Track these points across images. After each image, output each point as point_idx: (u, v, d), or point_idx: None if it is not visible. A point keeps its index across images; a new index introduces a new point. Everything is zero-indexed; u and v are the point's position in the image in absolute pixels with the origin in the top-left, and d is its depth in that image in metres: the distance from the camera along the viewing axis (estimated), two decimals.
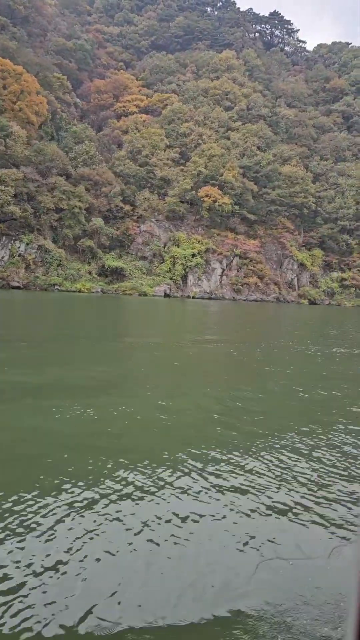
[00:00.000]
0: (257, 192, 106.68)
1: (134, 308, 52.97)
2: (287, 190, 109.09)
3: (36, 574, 4.68)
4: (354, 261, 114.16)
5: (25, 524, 5.51)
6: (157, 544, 5.32)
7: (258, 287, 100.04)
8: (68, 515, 5.77)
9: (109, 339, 22.48)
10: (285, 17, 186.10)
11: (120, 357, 18.14)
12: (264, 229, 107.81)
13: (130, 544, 5.29)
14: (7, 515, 5.66)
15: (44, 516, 5.70)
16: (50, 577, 4.66)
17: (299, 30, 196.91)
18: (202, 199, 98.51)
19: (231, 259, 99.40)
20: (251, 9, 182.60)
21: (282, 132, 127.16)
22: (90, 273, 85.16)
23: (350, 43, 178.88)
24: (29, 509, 5.83)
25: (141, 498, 6.33)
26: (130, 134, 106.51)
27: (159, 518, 5.86)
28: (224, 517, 5.97)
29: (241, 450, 8.35)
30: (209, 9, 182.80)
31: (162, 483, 6.80)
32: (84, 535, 5.38)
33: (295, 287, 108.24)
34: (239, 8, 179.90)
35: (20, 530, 5.38)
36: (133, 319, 39.71)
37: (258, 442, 8.80)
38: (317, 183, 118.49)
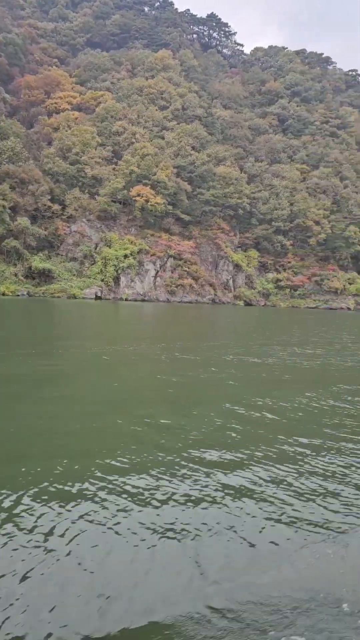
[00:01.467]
0: (191, 193, 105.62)
1: (63, 311, 50.14)
2: (222, 191, 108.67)
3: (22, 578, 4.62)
4: (289, 262, 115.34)
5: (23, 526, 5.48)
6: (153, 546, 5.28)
7: (193, 289, 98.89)
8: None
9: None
10: (222, 20, 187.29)
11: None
12: (199, 229, 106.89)
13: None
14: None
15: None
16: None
17: (236, 33, 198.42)
18: (134, 198, 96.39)
19: (165, 260, 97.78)
20: (188, 10, 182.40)
21: (218, 132, 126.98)
22: (16, 275, 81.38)
23: (286, 47, 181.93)
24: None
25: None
26: (61, 131, 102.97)
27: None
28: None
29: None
30: (146, 9, 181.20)
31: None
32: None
33: (231, 288, 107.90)
34: (176, 9, 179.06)
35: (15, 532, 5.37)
36: (60, 322, 37.06)
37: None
38: (252, 184, 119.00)
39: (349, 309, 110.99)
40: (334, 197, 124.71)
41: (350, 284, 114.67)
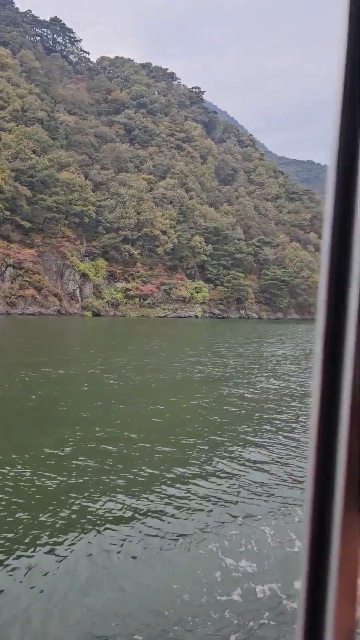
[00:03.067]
0: (32, 198, 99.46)
1: None
2: (65, 197, 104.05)
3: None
4: (138, 271, 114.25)
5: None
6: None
7: (36, 300, 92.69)
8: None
9: None
10: (67, 25, 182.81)
11: None
12: (41, 237, 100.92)
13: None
14: None
15: None
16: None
17: (81, 40, 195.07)
18: None
19: (3, 269, 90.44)
20: (30, 11, 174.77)
21: (62, 138, 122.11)
22: None
23: (132, 59, 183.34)
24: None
25: None
26: None
27: None
28: None
29: None
30: None
31: None
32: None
33: (78, 298, 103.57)
34: (17, 8, 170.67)
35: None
36: None
37: None
38: (98, 192, 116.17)
39: (196, 316, 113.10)
40: (180, 208, 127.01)
41: (197, 292, 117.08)
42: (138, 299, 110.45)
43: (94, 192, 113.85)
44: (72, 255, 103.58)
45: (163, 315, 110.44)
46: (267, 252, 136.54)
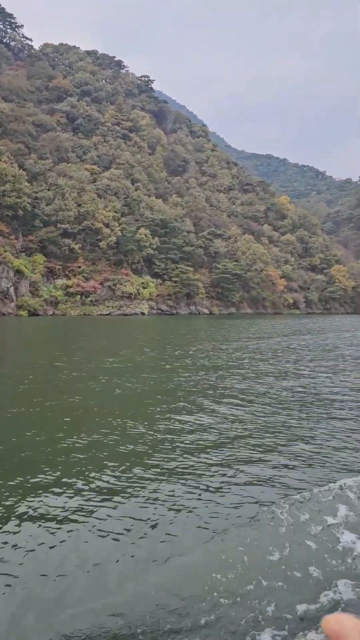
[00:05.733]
0: None
1: None
2: None
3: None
4: (79, 267, 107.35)
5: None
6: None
7: None
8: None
9: None
10: (7, 10, 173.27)
11: None
12: None
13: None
14: None
15: None
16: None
17: (23, 26, 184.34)
18: None
19: None
20: None
21: None
22: None
23: (78, 47, 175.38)
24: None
25: None
26: None
27: None
28: None
29: None
30: None
31: None
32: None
33: (12, 297, 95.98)
34: None
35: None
36: None
37: None
38: (35, 183, 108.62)
39: (142, 314, 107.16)
40: (125, 199, 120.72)
41: (144, 288, 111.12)
42: (80, 297, 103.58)
43: (30, 183, 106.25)
44: (5, 251, 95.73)
45: (107, 313, 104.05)
46: (219, 245, 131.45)
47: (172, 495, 7.76)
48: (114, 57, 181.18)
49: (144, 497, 7.72)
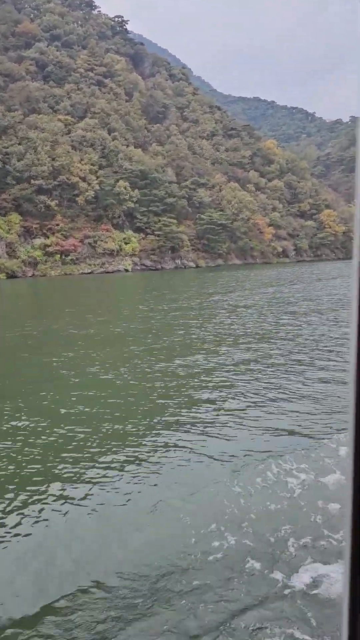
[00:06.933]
0: None
1: None
2: None
3: None
4: (57, 225, 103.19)
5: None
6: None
7: None
8: None
9: None
10: None
11: None
12: None
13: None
14: None
15: None
16: None
17: None
18: None
19: None
20: None
21: None
22: None
23: None
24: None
25: None
26: None
27: None
28: None
29: None
30: None
31: None
32: None
33: None
34: None
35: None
36: None
37: None
38: (4, 137, 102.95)
39: (126, 270, 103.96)
40: (102, 151, 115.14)
41: (126, 243, 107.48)
42: (59, 256, 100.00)
43: None
44: None
45: (89, 271, 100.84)
46: (203, 195, 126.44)
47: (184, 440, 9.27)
48: None
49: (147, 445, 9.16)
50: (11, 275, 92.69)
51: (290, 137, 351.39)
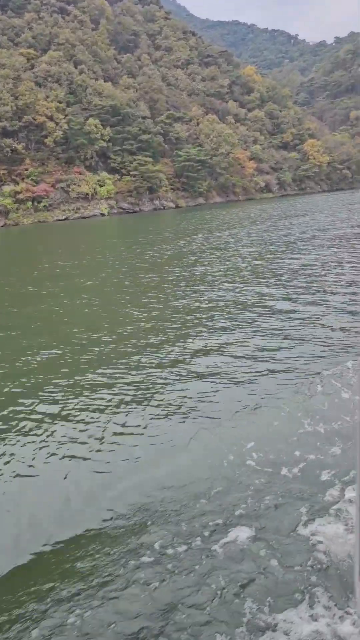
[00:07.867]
0: None
1: None
2: None
3: None
4: (26, 169, 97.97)
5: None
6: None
7: None
8: None
9: None
10: None
11: None
12: None
13: None
14: None
15: None
16: None
17: None
18: None
19: None
20: None
21: None
22: None
23: None
24: None
25: None
26: None
27: None
28: None
29: None
30: None
31: None
32: None
33: None
34: None
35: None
36: None
37: None
38: None
39: (102, 214, 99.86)
40: (69, 86, 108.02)
41: (100, 186, 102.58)
42: (31, 203, 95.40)
43: None
44: None
45: (64, 217, 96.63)
46: (179, 129, 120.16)
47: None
48: None
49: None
50: None
51: (272, 63, 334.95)
